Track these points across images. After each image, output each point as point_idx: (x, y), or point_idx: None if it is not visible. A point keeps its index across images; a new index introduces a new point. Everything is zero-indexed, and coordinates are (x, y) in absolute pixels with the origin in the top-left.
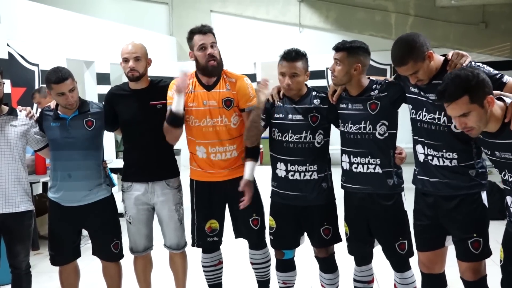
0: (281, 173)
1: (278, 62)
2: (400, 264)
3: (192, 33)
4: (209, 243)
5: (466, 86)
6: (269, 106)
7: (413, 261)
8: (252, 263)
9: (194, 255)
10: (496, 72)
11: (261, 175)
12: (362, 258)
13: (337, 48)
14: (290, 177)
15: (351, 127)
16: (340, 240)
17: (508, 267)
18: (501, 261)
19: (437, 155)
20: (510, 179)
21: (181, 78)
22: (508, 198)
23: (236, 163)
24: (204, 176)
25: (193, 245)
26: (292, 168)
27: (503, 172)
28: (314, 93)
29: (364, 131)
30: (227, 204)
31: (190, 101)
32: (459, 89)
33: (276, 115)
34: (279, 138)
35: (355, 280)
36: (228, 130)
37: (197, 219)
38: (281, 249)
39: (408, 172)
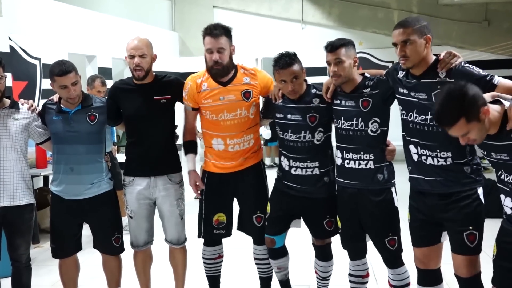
0: (285, 166)
1: (274, 71)
2: (391, 260)
3: (204, 32)
4: (215, 235)
5: (459, 109)
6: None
7: (407, 257)
8: (255, 258)
9: (194, 250)
10: (486, 73)
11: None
12: (355, 252)
13: (334, 47)
14: (293, 172)
15: (343, 123)
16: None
17: (499, 261)
18: (493, 256)
19: (432, 155)
20: (506, 179)
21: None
22: (502, 197)
23: (251, 151)
24: (218, 167)
25: (199, 236)
26: (294, 164)
27: (500, 172)
28: (314, 90)
29: (356, 128)
30: (235, 197)
31: (206, 98)
32: (454, 113)
33: (277, 115)
34: (281, 135)
35: (350, 275)
36: (247, 121)
37: (205, 211)
38: (269, 234)
39: (399, 169)
